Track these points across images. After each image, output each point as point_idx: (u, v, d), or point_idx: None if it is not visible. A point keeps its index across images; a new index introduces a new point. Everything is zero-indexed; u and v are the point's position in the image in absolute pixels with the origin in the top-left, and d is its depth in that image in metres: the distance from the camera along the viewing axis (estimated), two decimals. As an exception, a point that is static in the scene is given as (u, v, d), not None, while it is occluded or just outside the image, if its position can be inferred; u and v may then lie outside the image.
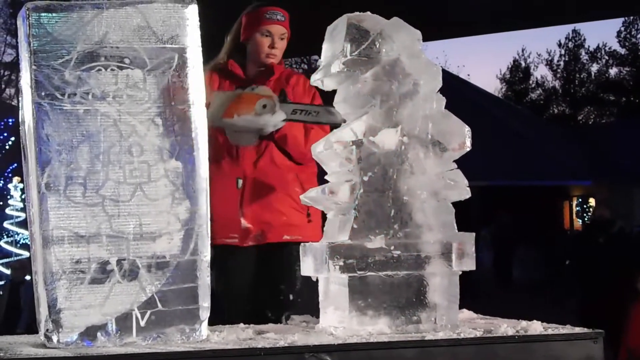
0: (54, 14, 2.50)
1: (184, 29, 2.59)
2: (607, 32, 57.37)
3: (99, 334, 2.48)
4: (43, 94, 2.48)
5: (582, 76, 40.47)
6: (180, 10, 2.59)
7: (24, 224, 13.00)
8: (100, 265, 2.49)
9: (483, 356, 2.53)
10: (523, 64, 41.22)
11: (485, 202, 15.93)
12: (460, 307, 2.82)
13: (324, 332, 2.69)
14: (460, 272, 2.76)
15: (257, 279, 3.75)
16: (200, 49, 2.62)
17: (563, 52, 40.22)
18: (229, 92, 3.71)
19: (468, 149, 2.80)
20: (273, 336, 2.58)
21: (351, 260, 2.64)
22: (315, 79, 2.89)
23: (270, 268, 3.75)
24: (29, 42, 2.48)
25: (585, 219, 21.89)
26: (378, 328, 2.65)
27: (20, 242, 15.45)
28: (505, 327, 2.63)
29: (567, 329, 2.67)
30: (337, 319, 2.69)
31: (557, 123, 35.03)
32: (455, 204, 2.80)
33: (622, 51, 39.07)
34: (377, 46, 2.74)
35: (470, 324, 2.80)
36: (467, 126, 2.80)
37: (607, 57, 39.68)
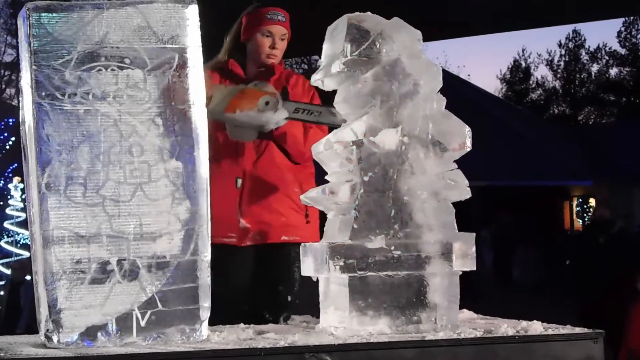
0: (54, 14, 2.50)
1: (184, 29, 2.59)
2: (608, 32, 57.57)
3: (99, 334, 2.48)
4: (43, 94, 2.48)
5: (582, 76, 40.45)
6: (181, 11, 2.59)
7: (24, 224, 12.98)
8: (101, 266, 2.49)
9: (483, 356, 2.53)
10: (523, 64, 41.26)
11: (486, 202, 15.90)
12: (461, 307, 2.83)
13: (324, 332, 2.69)
14: (461, 272, 2.76)
15: (254, 279, 3.74)
16: (201, 49, 2.62)
17: (563, 52, 40.26)
18: (231, 86, 3.70)
19: (468, 149, 2.80)
20: (273, 336, 2.58)
21: (351, 260, 2.64)
22: (316, 79, 2.89)
23: (268, 268, 3.74)
24: (30, 42, 2.48)
25: (586, 219, 21.89)
26: (378, 328, 2.65)
27: (21, 242, 15.42)
28: (506, 327, 2.63)
29: (567, 329, 2.68)
30: (338, 319, 2.69)
31: (557, 123, 34.99)
32: (455, 204, 2.80)
33: (623, 51, 39.12)
34: (378, 46, 2.74)
35: (471, 324, 2.80)
36: (467, 126, 2.81)
37: (607, 58, 39.71)
